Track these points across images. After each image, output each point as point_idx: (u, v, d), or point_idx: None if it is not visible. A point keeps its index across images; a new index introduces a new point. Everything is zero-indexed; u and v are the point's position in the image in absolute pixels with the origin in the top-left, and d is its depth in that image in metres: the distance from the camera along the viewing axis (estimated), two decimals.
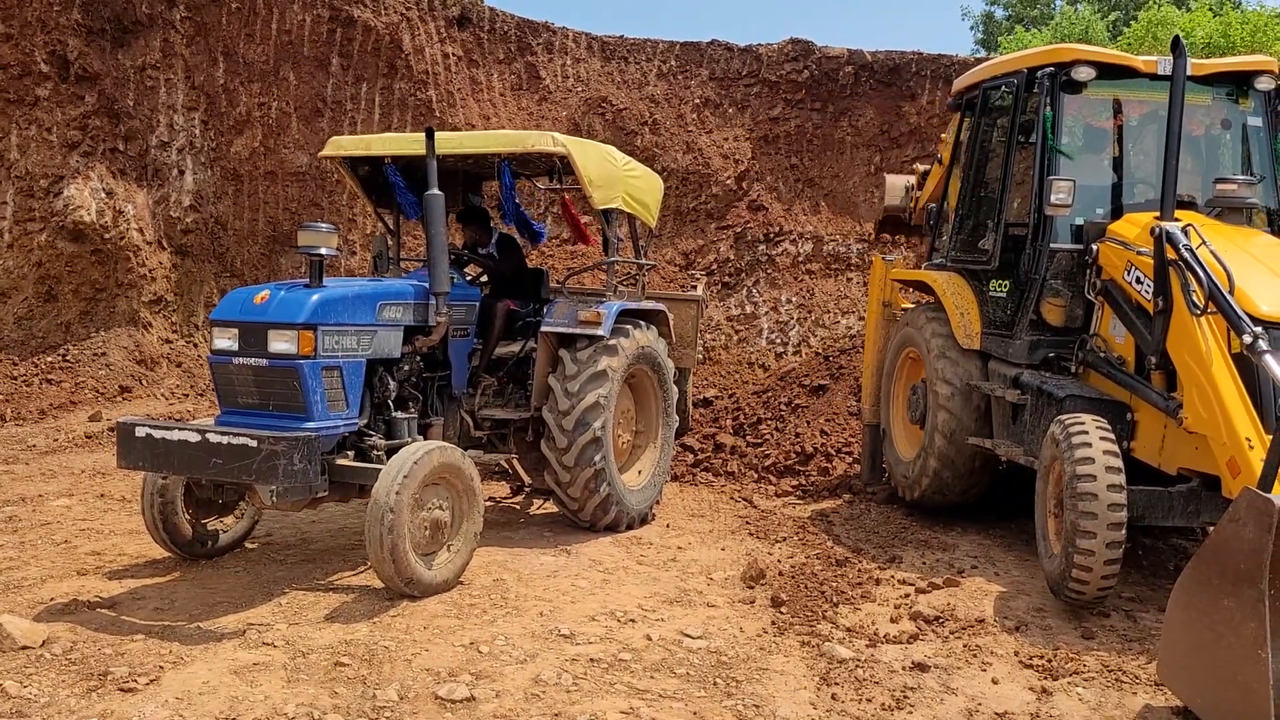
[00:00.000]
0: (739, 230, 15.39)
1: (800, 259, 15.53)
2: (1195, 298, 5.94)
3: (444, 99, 14.89)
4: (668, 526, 7.81)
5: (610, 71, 16.09)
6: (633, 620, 5.58)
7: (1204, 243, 6.09)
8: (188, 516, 6.22)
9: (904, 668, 5.08)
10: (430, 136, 6.50)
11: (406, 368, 6.54)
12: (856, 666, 5.03)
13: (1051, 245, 7.15)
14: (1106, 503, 5.61)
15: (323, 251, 5.90)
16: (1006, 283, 7.54)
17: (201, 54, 13.60)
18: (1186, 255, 6.03)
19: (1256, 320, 5.57)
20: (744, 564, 6.75)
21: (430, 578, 5.73)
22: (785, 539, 7.53)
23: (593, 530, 7.41)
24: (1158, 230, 6.19)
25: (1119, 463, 5.73)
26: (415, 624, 5.36)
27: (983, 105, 8.02)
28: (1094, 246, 6.99)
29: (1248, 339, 5.41)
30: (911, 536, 7.71)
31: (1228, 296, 5.73)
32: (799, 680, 4.88)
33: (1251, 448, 5.31)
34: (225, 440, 5.31)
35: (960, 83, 8.64)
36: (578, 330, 7.18)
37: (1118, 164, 7.54)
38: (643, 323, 7.71)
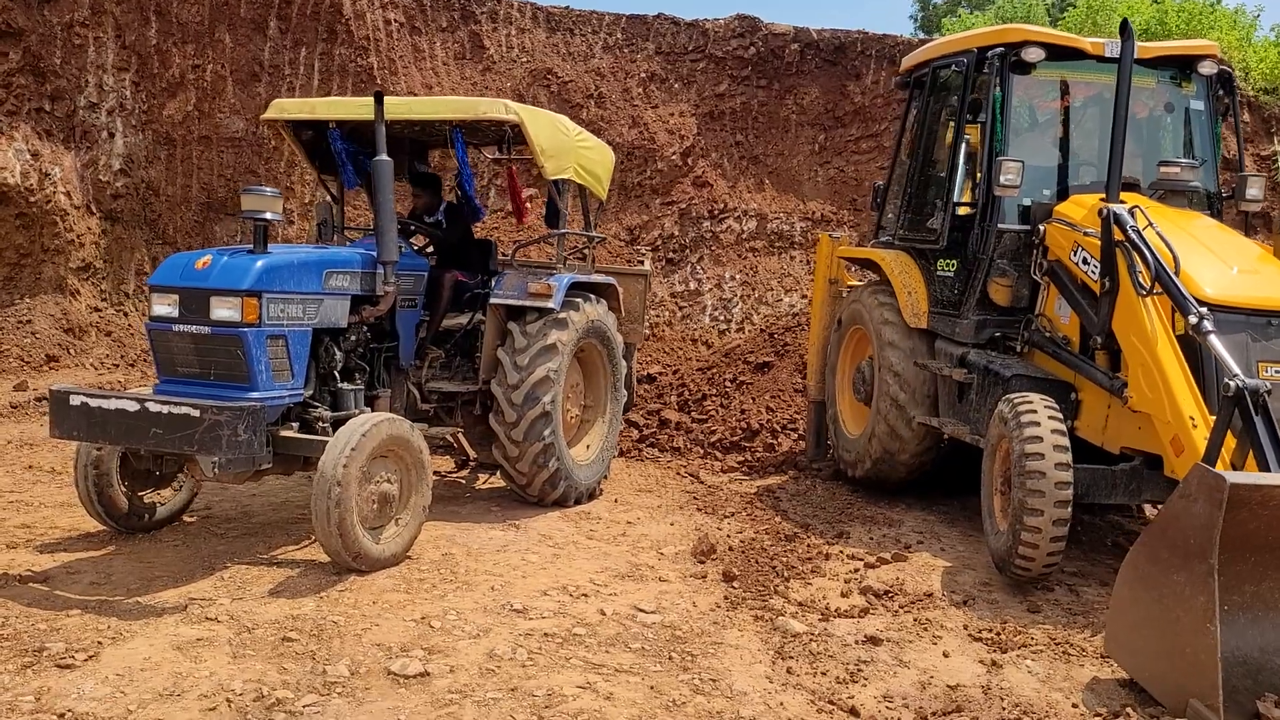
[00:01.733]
0: (684, 206, 15.35)
1: (744, 236, 15.55)
2: (1141, 279, 6.03)
3: (385, 66, 14.60)
4: (615, 501, 7.77)
5: (555, 43, 15.91)
6: (585, 595, 5.54)
7: (1150, 224, 6.18)
8: (123, 489, 6.03)
9: (857, 641, 5.10)
10: (379, 101, 6.33)
11: (353, 338, 6.39)
12: (810, 640, 5.05)
13: (999, 226, 7.21)
14: (1054, 481, 5.68)
15: (267, 216, 5.72)
16: (954, 262, 7.59)
17: (133, 12, 13.14)
18: (1134, 236, 6.11)
19: (1200, 302, 5.67)
20: (694, 539, 6.75)
21: (378, 552, 5.62)
22: (733, 514, 7.54)
23: (540, 505, 7.34)
24: (1105, 211, 6.26)
25: (1066, 441, 5.80)
26: (363, 599, 5.25)
27: (931, 84, 8.04)
28: (1041, 227, 7.05)
29: (1193, 319, 5.50)
30: (858, 512, 7.77)
31: (1174, 278, 5.83)
32: (754, 654, 4.87)
33: (1195, 426, 5.41)
34: (166, 410, 5.13)
35: (908, 61, 8.65)
36: (527, 303, 7.08)
37: (1063, 145, 7.61)
38: (592, 296, 7.63)
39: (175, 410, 5.12)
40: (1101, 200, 6.83)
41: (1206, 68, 7.41)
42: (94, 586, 5.32)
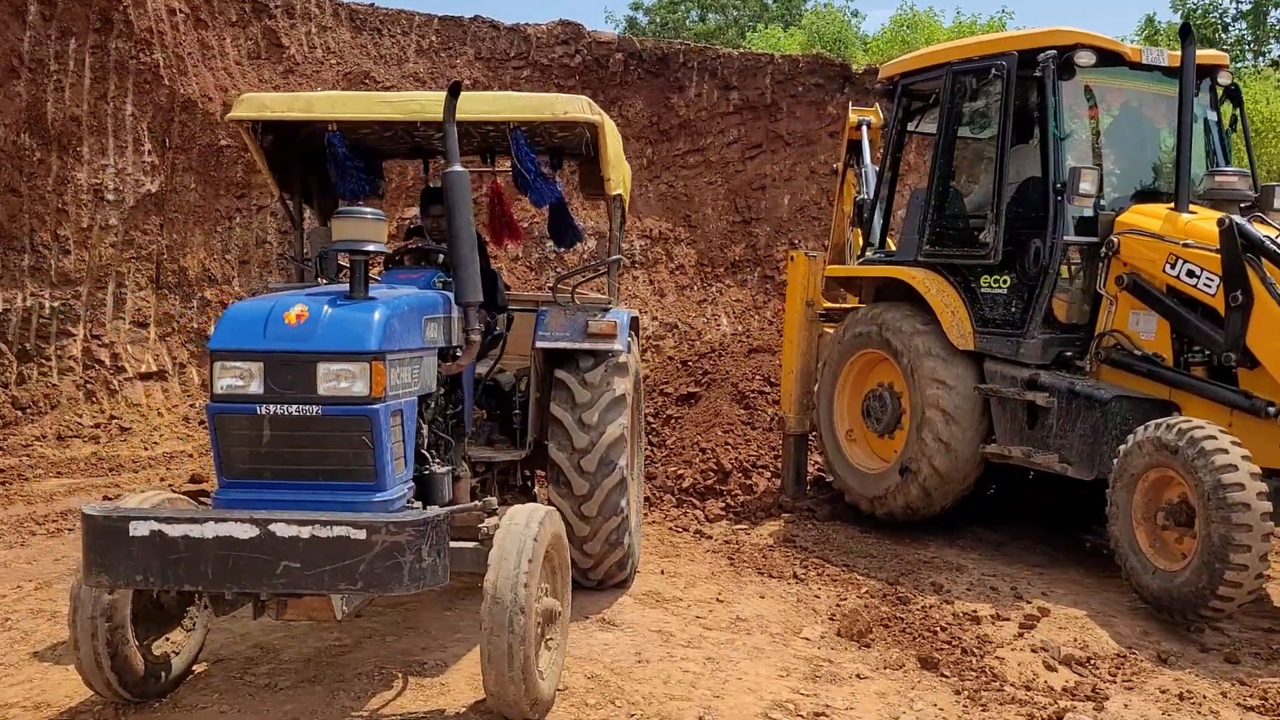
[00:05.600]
0: (525, 225, 14.06)
1: (586, 257, 14.50)
2: None
3: (173, 64, 12.30)
4: (663, 573, 6.56)
5: (364, 44, 14.18)
6: (819, 715, 4.41)
7: None
8: (136, 642, 4.18)
9: None
10: (454, 94, 4.79)
11: (434, 404, 4.85)
12: None
13: (1065, 238, 6.76)
14: (1259, 512, 5.25)
15: (369, 247, 4.14)
16: (1006, 278, 7.06)
17: None
18: (1274, 248, 5.85)
19: None
20: (808, 613, 5.81)
21: (547, 691, 4.20)
22: (803, 577, 6.57)
23: (598, 589, 6.03)
24: (1227, 223, 5.94)
25: (1259, 470, 5.38)
26: None
27: (951, 90, 7.47)
28: (1114, 239, 6.68)
29: None
30: (913, 557, 7.06)
31: None
32: None
33: None
34: (307, 533, 3.47)
35: (901, 66, 8.07)
36: (586, 345, 5.78)
37: (1097, 154, 7.32)
38: (632, 333, 6.43)
39: (323, 533, 3.47)
40: (1170, 209, 6.62)
41: (1224, 78, 7.36)
42: None
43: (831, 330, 8.45)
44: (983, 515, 7.95)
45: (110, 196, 11.71)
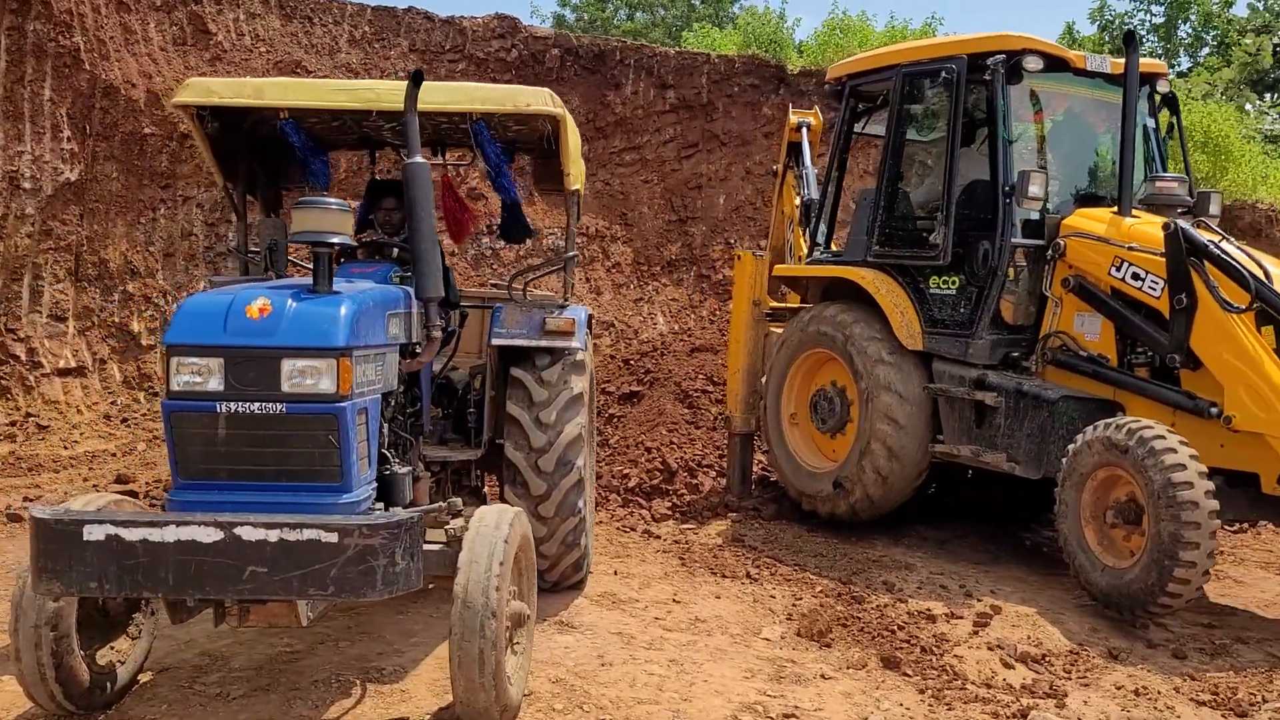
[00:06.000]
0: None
1: (522, 254, 14.35)
2: (1224, 294, 5.90)
3: (94, 48, 11.85)
4: (616, 574, 6.49)
5: (294, 32, 13.83)
6: (787, 715, 4.39)
7: (1226, 238, 6.10)
8: (81, 652, 3.98)
9: None
10: (416, 83, 4.65)
11: (394, 403, 4.70)
12: None
13: (1013, 240, 6.85)
14: (1207, 510, 5.36)
15: (333, 240, 3.99)
16: (955, 279, 7.13)
17: None
18: (1217, 252, 5.98)
19: None
20: (765, 614, 5.79)
21: (516, 697, 4.10)
22: (757, 577, 6.55)
23: (553, 590, 5.93)
24: (1173, 227, 6.07)
25: (1206, 469, 5.50)
26: None
27: (901, 91, 7.51)
28: (1060, 242, 6.78)
29: None
30: (861, 556, 7.10)
31: (1277, 292, 5.74)
32: None
33: None
34: (275, 537, 3.32)
35: (847, 68, 8.11)
36: (543, 342, 5.68)
37: (1042, 158, 7.43)
38: (587, 331, 6.34)
39: (292, 537, 3.33)
40: (1114, 214, 6.74)
41: (1163, 86, 7.51)
42: None
43: (778, 330, 8.46)
44: (925, 514, 8.03)
45: (27, 185, 11.22)
